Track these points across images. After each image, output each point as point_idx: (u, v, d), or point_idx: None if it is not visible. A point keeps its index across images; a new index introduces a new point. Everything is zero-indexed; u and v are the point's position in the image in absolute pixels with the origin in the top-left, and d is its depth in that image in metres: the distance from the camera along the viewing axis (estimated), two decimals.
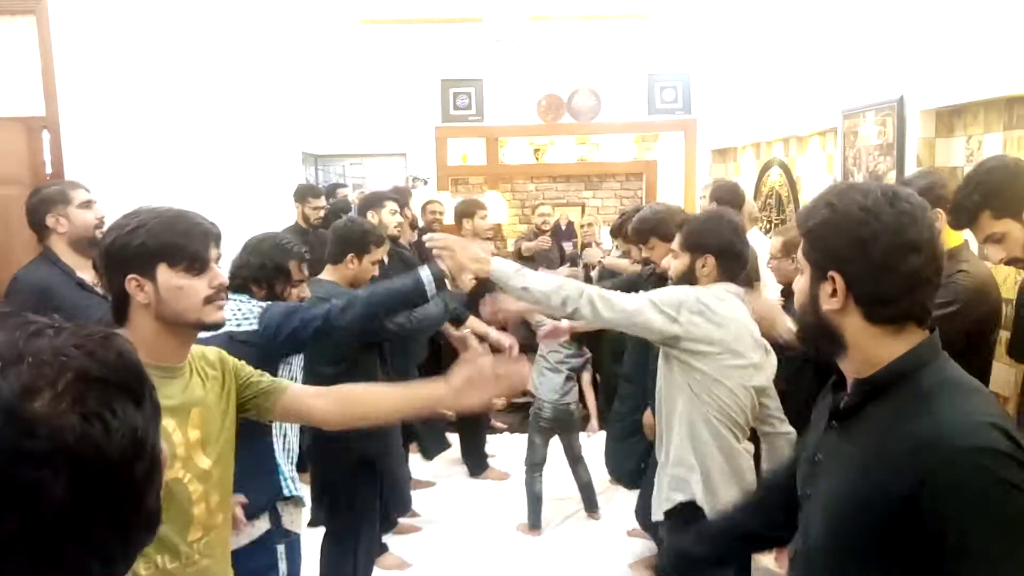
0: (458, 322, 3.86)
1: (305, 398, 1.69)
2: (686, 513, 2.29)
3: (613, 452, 3.69)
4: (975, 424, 1.06)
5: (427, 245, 2.30)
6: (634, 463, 3.53)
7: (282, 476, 2.34)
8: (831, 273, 1.17)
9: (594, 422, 4.54)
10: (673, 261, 2.47)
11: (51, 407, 0.57)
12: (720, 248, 2.36)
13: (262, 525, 2.25)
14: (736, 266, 2.39)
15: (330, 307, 2.37)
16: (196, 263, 1.49)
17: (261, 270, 2.47)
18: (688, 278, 2.39)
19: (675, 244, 2.45)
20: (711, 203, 3.92)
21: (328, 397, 1.71)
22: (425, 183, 6.38)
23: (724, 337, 2.27)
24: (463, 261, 2.17)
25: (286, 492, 2.32)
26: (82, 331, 0.64)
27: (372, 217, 4.00)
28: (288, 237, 2.64)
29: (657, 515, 2.43)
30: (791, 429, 2.44)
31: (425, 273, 2.32)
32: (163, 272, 1.45)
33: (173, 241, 1.47)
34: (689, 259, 2.38)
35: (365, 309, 2.39)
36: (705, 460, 2.31)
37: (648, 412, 2.90)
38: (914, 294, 1.16)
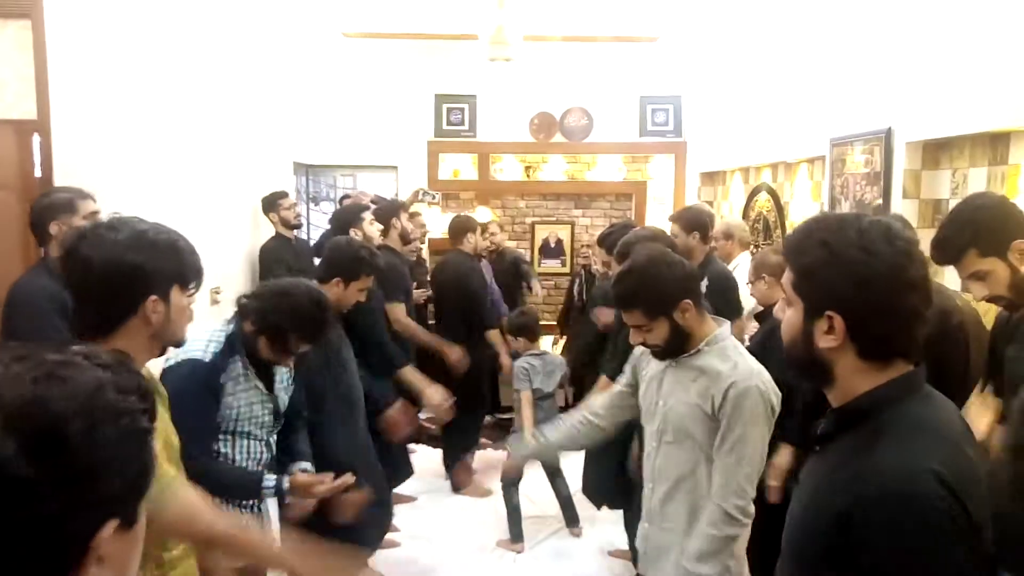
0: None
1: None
2: None
3: (593, 473, 3.68)
4: (911, 469, 1.07)
5: None
6: (610, 482, 3.53)
7: None
8: (829, 313, 1.17)
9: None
10: (643, 335, 2.09)
11: None
12: (686, 286, 2.07)
13: None
14: (700, 291, 2.13)
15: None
16: (198, 285, 1.54)
17: (261, 317, 2.26)
18: (677, 337, 2.06)
19: (637, 319, 2.08)
20: (688, 235, 3.76)
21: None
22: (434, 198, 5.81)
23: None
24: None
25: None
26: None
27: (355, 234, 3.84)
28: (317, 301, 2.37)
29: None
30: None
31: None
32: (175, 293, 1.48)
33: (194, 263, 1.52)
34: (665, 320, 2.05)
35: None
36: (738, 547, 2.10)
37: None
38: (908, 331, 1.17)
